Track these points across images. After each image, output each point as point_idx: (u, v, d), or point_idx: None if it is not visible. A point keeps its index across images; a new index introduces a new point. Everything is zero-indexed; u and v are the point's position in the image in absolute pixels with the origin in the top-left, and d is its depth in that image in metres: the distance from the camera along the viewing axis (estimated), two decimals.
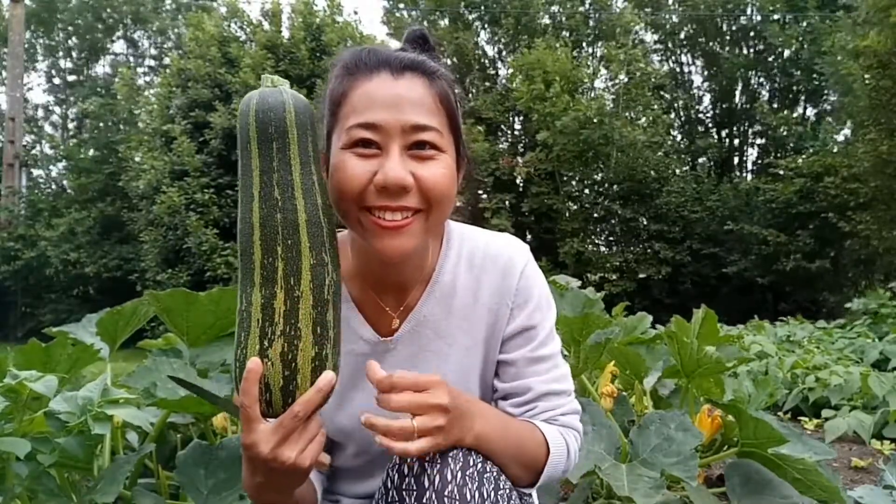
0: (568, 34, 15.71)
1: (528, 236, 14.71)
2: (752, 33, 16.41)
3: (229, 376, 1.75)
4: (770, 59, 16.37)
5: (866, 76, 10.99)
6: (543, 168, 14.14)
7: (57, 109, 23.28)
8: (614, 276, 14.17)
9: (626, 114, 14.25)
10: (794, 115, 16.06)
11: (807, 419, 3.90)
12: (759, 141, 17.27)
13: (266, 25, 14.00)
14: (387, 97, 0.93)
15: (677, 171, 15.69)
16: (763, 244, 13.32)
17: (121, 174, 14.24)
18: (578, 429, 1.11)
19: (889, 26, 9.79)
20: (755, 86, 16.98)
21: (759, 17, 15.92)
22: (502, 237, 1.11)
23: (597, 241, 15.51)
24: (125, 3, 21.52)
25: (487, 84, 15.91)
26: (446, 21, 16.11)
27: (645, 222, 14.81)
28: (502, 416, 1.04)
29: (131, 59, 22.46)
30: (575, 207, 14.89)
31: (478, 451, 0.93)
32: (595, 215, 14.87)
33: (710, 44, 17.10)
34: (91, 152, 16.88)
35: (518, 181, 14.99)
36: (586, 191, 15.23)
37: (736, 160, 17.45)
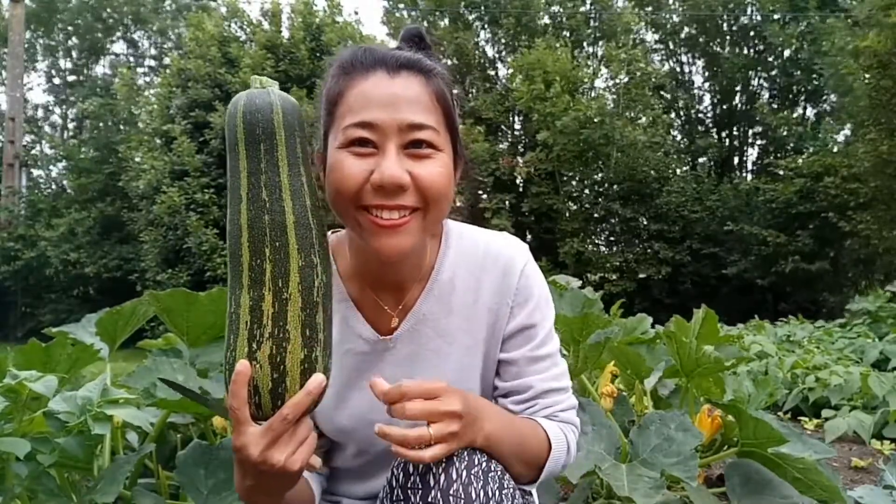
0: (568, 34, 15.71)
1: (528, 236, 14.71)
2: (752, 33, 16.41)
3: None
4: (770, 59, 16.37)
5: (866, 76, 11.00)
6: (543, 168, 14.13)
7: (57, 109, 23.32)
8: (614, 276, 14.17)
9: (627, 113, 14.24)
10: (795, 115, 16.07)
11: (807, 419, 3.90)
12: (759, 141, 17.29)
13: (266, 25, 14.01)
14: (383, 96, 0.93)
15: (677, 170, 15.70)
16: (763, 244, 13.33)
17: (121, 174, 14.24)
18: (576, 423, 1.12)
19: (889, 26, 9.80)
20: (755, 86, 16.99)
21: (759, 17, 15.93)
22: (502, 236, 1.12)
23: (597, 241, 15.51)
24: (125, 4, 21.54)
25: (487, 84, 15.91)
26: (446, 21, 16.11)
27: (645, 222, 14.82)
28: (506, 415, 1.04)
29: (131, 59, 22.47)
30: (575, 207, 14.89)
31: (486, 451, 0.94)
32: (595, 215, 14.87)
33: (711, 44, 17.10)
34: (91, 152, 16.88)
35: (518, 181, 14.98)
36: (586, 191, 15.23)
37: (736, 160, 17.47)
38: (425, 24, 15.65)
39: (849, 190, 12.36)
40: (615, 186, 14.72)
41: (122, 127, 16.85)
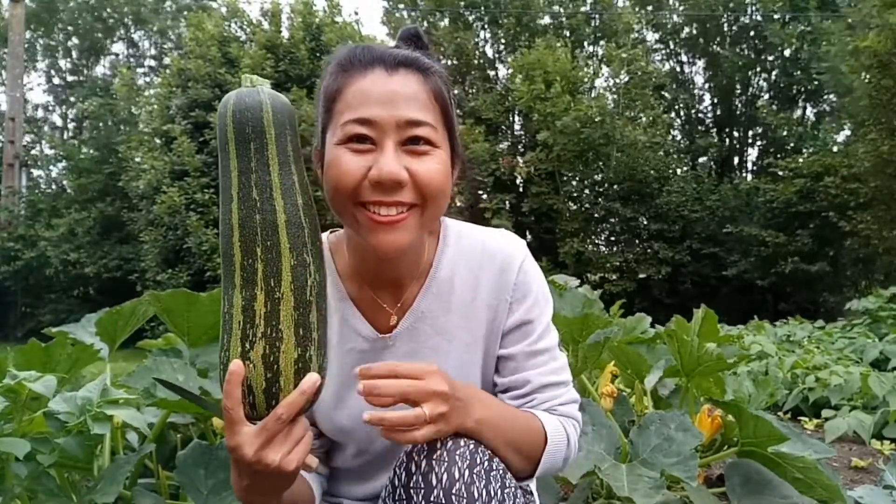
0: (569, 34, 15.71)
1: (528, 236, 14.70)
2: (752, 33, 16.42)
3: None
4: (770, 58, 16.38)
5: (865, 76, 11.00)
6: (543, 168, 14.13)
7: (57, 109, 23.31)
8: (614, 276, 14.17)
9: (627, 113, 14.24)
10: (795, 115, 16.07)
11: (807, 419, 3.90)
12: (759, 141, 17.29)
13: (266, 25, 14.01)
14: (381, 93, 0.94)
15: (677, 170, 15.69)
16: (762, 245, 13.33)
17: (121, 174, 14.24)
18: (578, 418, 1.11)
19: (888, 27, 9.80)
20: (755, 86, 16.99)
21: (759, 17, 15.93)
22: (499, 233, 1.12)
23: (597, 241, 15.50)
24: (125, 4, 21.54)
25: (487, 84, 15.90)
26: (446, 21, 16.11)
27: (645, 222, 14.81)
28: (500, 403, 1.04)
29: (131, 59, 22.47)
30: (575, 207, 14.88)
31: (478, 436, 0.94)
32: (595, 215, 14.86)
33: (711, 44, 17.11)
34: (91, 152, 16.88)
35: (518, 181, 14.98)
36: (586, 191, 15.22)
37: (736, 160, 17.47)
38: (425, 24, 15.67)
39: (849, 190, 12.36)
40: (615, 186, 14.71)
41: (122, 127, 16.84)
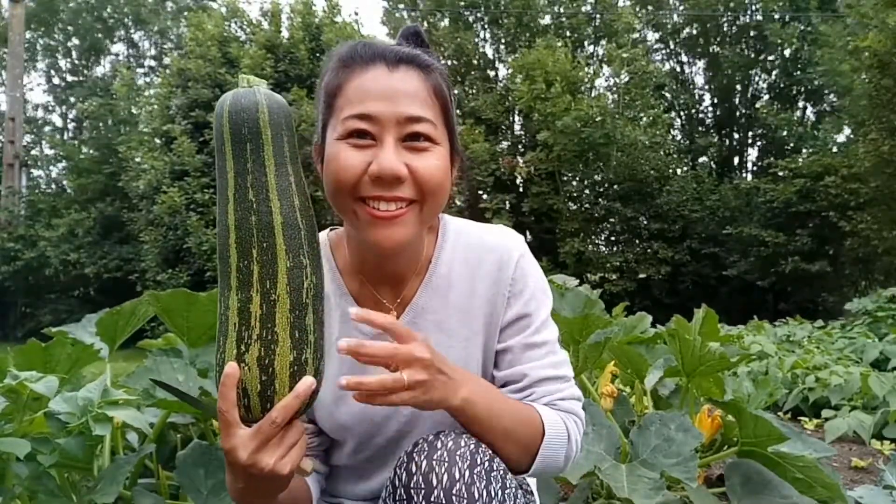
0: (569, 34, 15.70)
1: (529, 236, 14.70)
2: (752, 33, 16.42)
3: None
4: (770, 58, 16.38)
5: (865, 76, 11.00)
6: (544, 168, 14.13)
7: (57, 109, 23.32)
8: (614, 276, 14.17)
9: (627, 113, 14.24)
10: (795, 115, 16.07)
11: (807, 419, 3.90)
12: (759, 141, 17.29)
13: (265, 25, 14.01)
14: (382, 89, 0.94)
15: (678, 170, 15.70)
16: (762, 245, 13.33)
17: (121, 174, 14.24)
18: (580, 415, 1.09)
19: (888, 27, 9.80)
20: (756, 86, 16.99)
21: (759, 17, 15.93)
22: (497, 229, 1.12)
23: (597, 241, 15.50)
24: (125, 4, 21.54)
25: (487, 84, 15.91)
26: (446, 21, 16.11)
27: (645, 222, 14.81)
28: (496, 390, 1.03)
29: (131, 59, 22.47)
30: (575, 207, 14.89)
31: (463, 416, 0.93)
32: (595, 215, 14.86)
33: (711, 44, 17.11)
34: (91, 152, 16.87)
35: (518, 181, 14.98)
36: (586, 191, 15.23)
37: (736, 160, 17.48)
38: (425, 24, 15.67)
39: (849, 190, 12.37)
40: (615, 186, 14.71)
41: (122, 127, 16.84)
